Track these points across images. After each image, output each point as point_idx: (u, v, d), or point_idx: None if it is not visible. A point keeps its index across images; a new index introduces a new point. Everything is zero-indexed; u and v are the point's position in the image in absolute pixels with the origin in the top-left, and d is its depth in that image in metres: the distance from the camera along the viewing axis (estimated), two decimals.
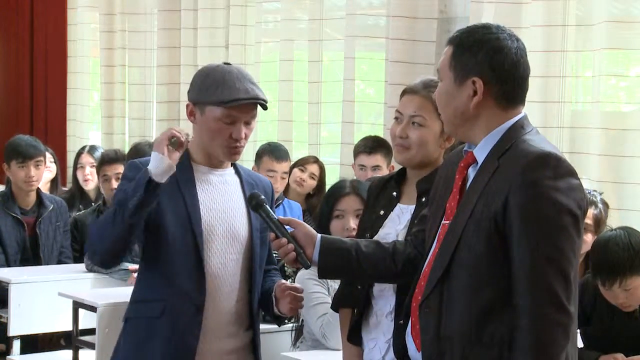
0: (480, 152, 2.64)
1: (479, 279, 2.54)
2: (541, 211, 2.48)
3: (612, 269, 3.60)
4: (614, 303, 3.70)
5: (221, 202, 3.29)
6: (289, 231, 2.94)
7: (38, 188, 6.03)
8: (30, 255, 5.87)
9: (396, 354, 3.10)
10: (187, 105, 3.28)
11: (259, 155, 5.91)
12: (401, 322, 3.08)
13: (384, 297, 3.20)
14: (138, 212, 3.08)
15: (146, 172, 3.07)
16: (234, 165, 3.38)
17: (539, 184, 2.49)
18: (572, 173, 2.54)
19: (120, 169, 5.89)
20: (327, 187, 5.83)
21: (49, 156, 6.97)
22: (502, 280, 2.52)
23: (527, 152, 2.54)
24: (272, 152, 5.85)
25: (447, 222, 2.65)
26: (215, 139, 3.23)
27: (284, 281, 3.33)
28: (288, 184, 6.05)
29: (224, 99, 3.17)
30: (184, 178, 3.26)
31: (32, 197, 5.97)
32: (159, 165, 3.08)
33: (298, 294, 3.24)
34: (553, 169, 2.50)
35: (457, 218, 2.61)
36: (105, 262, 3.34)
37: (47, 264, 5.84)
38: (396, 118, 3.23)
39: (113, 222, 3.12)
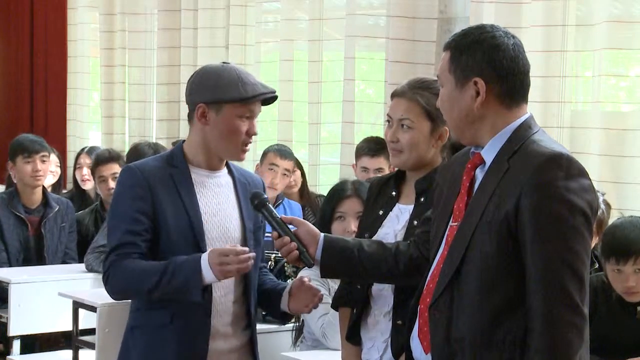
0: (488, 153, 2.63)
1: (490, 281, 2.53)
2: (554, 212, 2.47)
3: (628, 246, 3.61)
4: (622, 289, 3.68)
5: (215, 204, 3.28)
6: (291, 230, 2.95)
7: (44, 188, 6.03)
8: (34, 255, 5.87)
9: (394, 354, 3.10)
10: (198, 107, 3.25)
11: (265, 153, 5.97)
12: (399, 322, 3.09)
13: (383, 297, 3.20)
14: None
15: (199, 279, 3.08)
16: (227, 165, 3.38)
17: (551, 185, 2.48)
18: (583, 173, 2.54)
19: (115, 168, 5.89)
20: (307, 176, 6.09)
21: (55, 159, 6.99)
22: (514, 282, 2.51)
23: (539, 152, 2.53)
24: (277, 150, 5.94)
25: (456, 223, 2.64)
26: (231, 138, 3.23)
27: (304, 278, 3.31)
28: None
29: (247, 95, 3.20)
30: (182, 184, 3.25)
31: (38, 195, 5.97)
32: (210, 281, 3.11)
33: (316, 293, 3.24)
34: (565, 169, 2.50)
35: (466, 220, 2.61)
36: (115, 299, 3.38)
37: (51, 265, 5.84)
38: (387, 122, 3.24)
39: (144, 291, 3.17)
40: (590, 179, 2.56)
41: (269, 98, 3.28)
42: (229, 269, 3.07)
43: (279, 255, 3.25)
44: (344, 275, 3.15)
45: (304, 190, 6.13)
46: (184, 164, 3.28)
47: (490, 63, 2.61)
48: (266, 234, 5.51)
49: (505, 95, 2.62)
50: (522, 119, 2.64)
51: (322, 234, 2.95)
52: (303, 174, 6.19)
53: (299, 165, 6.15)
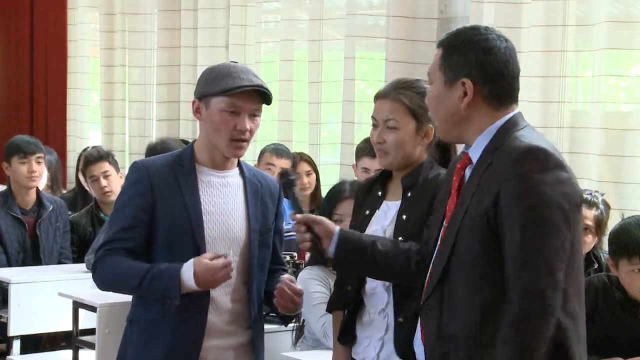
0: (475, 152, 2.65)
1: (477, 278, 2.55)
2: (529, 205, 2.47)
3: None
4: (638, 290, 3.67)
5: (220, 204, 3.28)
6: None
7: (37, 188, 6.03)
8: (31, 256, 5.86)
9: (398, 351, 3.11)
10: (193, 103, 3.30)
11: (261, 153, 6.03)
12: (400, 319, 3.10)
13: (376, 295, 3.21)
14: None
15: (177, 287, 3.12)
16: (239, 165, 3.38)
17: (527, 178, 2.49)
18: (561, 166, 2.53)
19: (106, 166, 5.88)
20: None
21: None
22: (499, 278, 2.52)
23: (516, 147, 2.54)
24: (274, 149, 6.00)
25: (447, 224, 2.66)
26: (219, 132, 3.23)
27: (285, 277, 3.30)
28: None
29: (228, 88, 3.19)
30: (186, 181, 3.26)
31: (32, 196, 5.96)
32: (191, 289, 3.13)
33: (289, 292, 3.22)
34: (541, 162, 2.50)
35: (453, 219, 2.63)
36: (102, 290, 3.41)
37: (47, 265, 5.84)
38: (373, 124, 3.25)
39: (128, 289, 3.27)
40: (568, 172, 2.54)
41: (267, 97, 3.28)
42: (220, 280, 3.14)
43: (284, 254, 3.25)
44: (356, 270, 3.16)
45: (316, 195, 6.14)
46: (190, 163, 3.29)
47: (480, 65, 2.62)
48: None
49: (493, 98, 2.64)
50: (508, 116, 2.64)
51: (338, 229, 2.96)
52: (317, 178, 6.18)
53: (315, 170, 6.16)
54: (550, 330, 2.48)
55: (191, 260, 3.12)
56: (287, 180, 3.08)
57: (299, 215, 2.96)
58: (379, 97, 3.25)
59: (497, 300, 2.52)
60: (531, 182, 2.48)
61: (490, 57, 2.62)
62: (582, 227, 2.67)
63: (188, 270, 3.11)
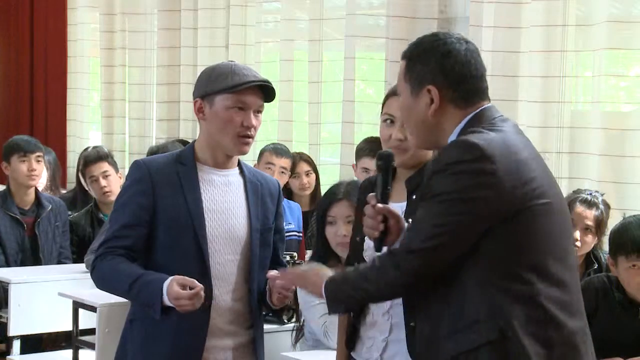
0: None
1: (443, 278, 2.58)
2: (437, 189, 2.52)
3: None
4: (636, 286, 3.67)
5: (222, 202, 3.29)
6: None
7: (36, 188, 6.02)
8: (30, 256, 5.86)
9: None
10: (195, 102, 3.30)
11: (261, 153, 6.05)
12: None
13: None
14: None
15: (159, 301, 3.12)
16: (239, 165, 3.39)
17: (451, 166, 2.51)
18: (490, 158, 2.50)
19: (105, 166, 5.89)
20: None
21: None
22: (465, 276, 2.54)
23: (453, 140, 2.58)
24: (273, 149, 6.02)
25: None
26: (226, 129, 3.24)
27: (271, 276, 3.28)
28: (292, 191, 6.12)
29: (234, 84, 3.22)
30: (187, 180, 3.26)
31: (31, 196, 5.96)
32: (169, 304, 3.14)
33: (280, 281, 3.21)
34: (469, 153, 2.50)
35: None
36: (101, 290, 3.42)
37: (47, 265, 5.84)
38: (387, 121, 3.19)
39: (119, 293, 3.31)
40: (497, 164, 2.50)
41: (270, 94, 3.28)
42: (184, 307, 3.10)
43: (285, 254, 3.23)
44: None
45: (315, 195, 6.14)
46: (192, 162, 3.30)
47: (442, 70, 2.63)
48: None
49: (460, 100, 2.64)
50: (473, 113, 2.64)
51: (407, 225, 2.88)
52: (317, 179, 6.20)
53: (314, 170, 6.18)
54: (402, 287, 2.62)
55: (169, 279, 3.12)
56: (388, 166, 2.91)
57: (380, 205, 2.85)
58: (395, 93, 3.20)
59: (465, 300, 2.54)
60: (453, 170, 2.50)
61: (450, 60, 2.63)
62: (557, 223, 2.63)
63: (165, 288, 3.12)
